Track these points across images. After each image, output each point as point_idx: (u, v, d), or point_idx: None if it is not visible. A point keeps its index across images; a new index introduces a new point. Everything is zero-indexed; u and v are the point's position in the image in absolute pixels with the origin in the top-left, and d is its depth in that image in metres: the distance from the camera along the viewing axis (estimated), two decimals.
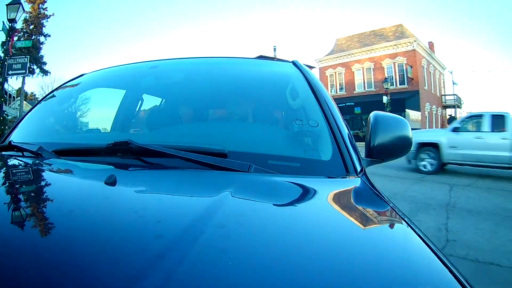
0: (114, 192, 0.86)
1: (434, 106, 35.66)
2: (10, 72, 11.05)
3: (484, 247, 3.97)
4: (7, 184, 0.96)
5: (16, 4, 10.69)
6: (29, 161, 1.19)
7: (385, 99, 25.43)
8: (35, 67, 25.83)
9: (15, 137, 1.51)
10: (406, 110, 28.70)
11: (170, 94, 1.74)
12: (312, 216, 0.78)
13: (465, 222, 5.03)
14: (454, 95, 39.46)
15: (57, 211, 0.73)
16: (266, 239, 0.64)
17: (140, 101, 1.89)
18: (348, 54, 35.88)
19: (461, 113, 38.50)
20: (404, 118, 1.43)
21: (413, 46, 31.73)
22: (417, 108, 30.69)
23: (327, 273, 0.54)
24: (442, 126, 32.44)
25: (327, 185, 1.00)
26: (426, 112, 32.45)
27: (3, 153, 1.32)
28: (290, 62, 1.74)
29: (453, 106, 39.18)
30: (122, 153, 1.12)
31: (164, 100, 1.82)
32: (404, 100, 29.32)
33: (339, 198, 0.93)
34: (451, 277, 0.58)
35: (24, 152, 1.25)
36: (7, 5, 10.62)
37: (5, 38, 10.82)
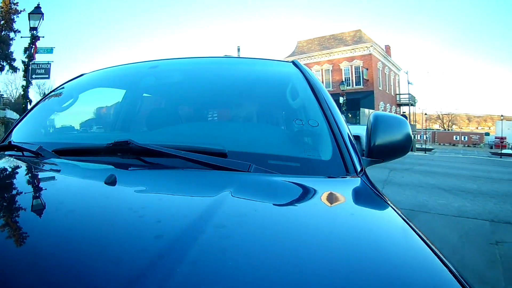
0: (114, 192, 0.86)
1: (388, 105, 38.55)
2: (34, 76, 12.21)
3: (405, 201, 6.11)
4: (7, 184, 0.97)
5: (38, 14, 11.91)
6: (29, 161, 1.19)
7: (341, 99, 27.51)
8: (4, 63, 25.61)
9: (15, 137, 1.50)
10: (361, 108, 31.17)
11: (170, 94, 1.73)
12: (312, 216, 0.78)
13: (395, 190, 7.18)
14: (408, 94, 42.46)
15: (57, 211, 0.73)
16: (266, 239, 0.64)
17: (140, 101, 1.88)
18: (308, 56, 38.03)
19: (415, 110, 41.93)
20: (404, 118, 1.45)
21: (370, 51, 35.27)
22: (371, 106, 33.49)
23: (327, 273, 0.54)
24: None
25: (327, 185, 1.00)
26: (380, 110, 35.06)
27: (3, 153, 1.32)
28: (290, 62, 1.74)
29: (407, 104, 42.16)
30: (122, 153, 1.12)
31: (164, 100, 1.82)
32: (359, 99, 31.95)
33: (339, 198, 0.93)
34: (451, 277, 0.58)
35: (24, 152, 1.25)
36: (29, 13, 11.77)
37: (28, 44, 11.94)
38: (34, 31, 11.97)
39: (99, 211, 0.74)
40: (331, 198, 0.92)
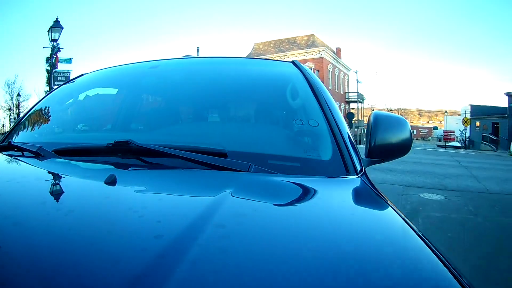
0: (114, 192, 0.86)
1: (337, 103, 41.59)
2: (56, 83, 13.62)
3: (398, 181, 8.63)
4: (7, 184, 0.96)
5: (58, 28, 14.08)
6: (29, 161, 1.18)
7: None
8: None
9: (15, 137, 1.51)
10: None
11: (170, 93, 1.71)
12: (312, 216, 0.78)
13: (391, 175, 9.50)
14: (356, 92, 45.94)
15: (57, 211, 0.74)
16: (266, 239, 0.64)
17: (140, 101, 1.87)
18: (264, 58, 40.40)
19: (364, 106, 45.92)
20: (404, 118, 1.44)
21: (322, 54, 39.51)
22: None
23: (327, 273, 0.54)
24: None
25: (327, 185, 1.00)
26: None
27: (3, 153, 1.32)
28: (290, 62, 1.73)
29: (356, 101, 45.46)
30: (122, 153, 1.12)
31: (164, 100, 1.80)
32: None
33: (339, 198, 0.93)
34: (451, 277, 0.58)
35: (24, 152, 1.25)
36: (50, 27, 14.02)
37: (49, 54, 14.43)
38: (55, 43, 14.19)
39: (99, 211, 0.74)
40: (331, 198, 0.92)
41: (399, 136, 1.35)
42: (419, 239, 0.71)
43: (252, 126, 1.45)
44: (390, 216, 0.84)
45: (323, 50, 39.02)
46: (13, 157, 1.25)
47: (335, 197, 0.93)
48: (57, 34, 14.02)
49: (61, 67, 14.48)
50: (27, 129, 1.64)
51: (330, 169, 1.11)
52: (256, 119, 1.50)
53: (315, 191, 0.94)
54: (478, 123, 36.42)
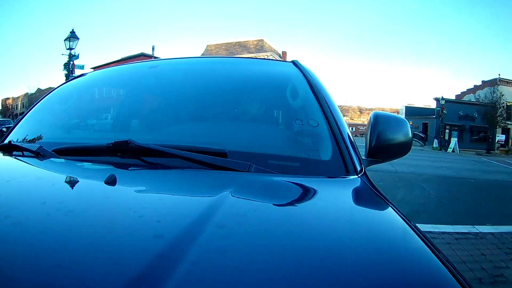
0: (114, 192, 0.86)
1: None
2: None
3: (392, 169, 11.18)
4: (7, 184, 0.96)
5: (74, 38, 16.45)
6: (29, 160, 1.18)
7: None
8: None
9: (15, 137, 1.51)
10: None
11: (170, 93, 1.71)
12: (312, 216, 0.78)
13: (386, 165, 10.07)
14: None
15: (57, 211, 0.73)
16: (266, 239, 0.64)
17: (140, 101, 1.85)
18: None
19: None
20: (404, 118, 1.44)
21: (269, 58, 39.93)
22: None
23: (327, 273, 0.54)
24: None
25: (327, 185, 1.00)
26: None
27: (3, 153, 1.32)
28: (290, 62, 1.74)
29: None
30: (122, 153, 1.12)
31: (164, 99, 1.79)
32: None
33: (339, 198, 0.93)
34: (450, 277, 0.58)
35: (24, 152, 1.25)
36: (68, 37, 16.42)
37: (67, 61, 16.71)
38: (71, 51, 16.52)
39: (99, 211, 0.74)
40: (331, 198, 0.92)
41: (399, 136, 1.34)
42: (419, 239, 0.70)
43: (252, 126, 1.45)
44: (390, 216, 0.84)
45: (271, 54, 40.80)
46: (13, 157, 1.25)
47: (335, 197, 0.93)
48: (73, 43, 16.38)
49: (76, 72, 16.09)
50: (27, 128, 1.62)
51: (330, 169, 1.10)
52: (256, 119, 1.48)
53: (315, 191, 0.94)
54: (411, 122, 41.36)
